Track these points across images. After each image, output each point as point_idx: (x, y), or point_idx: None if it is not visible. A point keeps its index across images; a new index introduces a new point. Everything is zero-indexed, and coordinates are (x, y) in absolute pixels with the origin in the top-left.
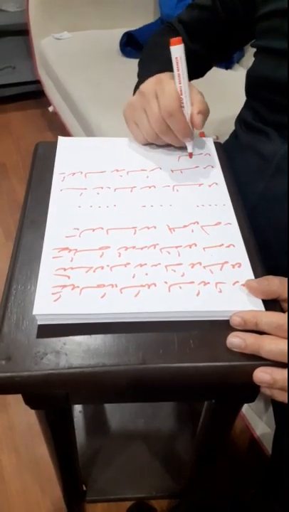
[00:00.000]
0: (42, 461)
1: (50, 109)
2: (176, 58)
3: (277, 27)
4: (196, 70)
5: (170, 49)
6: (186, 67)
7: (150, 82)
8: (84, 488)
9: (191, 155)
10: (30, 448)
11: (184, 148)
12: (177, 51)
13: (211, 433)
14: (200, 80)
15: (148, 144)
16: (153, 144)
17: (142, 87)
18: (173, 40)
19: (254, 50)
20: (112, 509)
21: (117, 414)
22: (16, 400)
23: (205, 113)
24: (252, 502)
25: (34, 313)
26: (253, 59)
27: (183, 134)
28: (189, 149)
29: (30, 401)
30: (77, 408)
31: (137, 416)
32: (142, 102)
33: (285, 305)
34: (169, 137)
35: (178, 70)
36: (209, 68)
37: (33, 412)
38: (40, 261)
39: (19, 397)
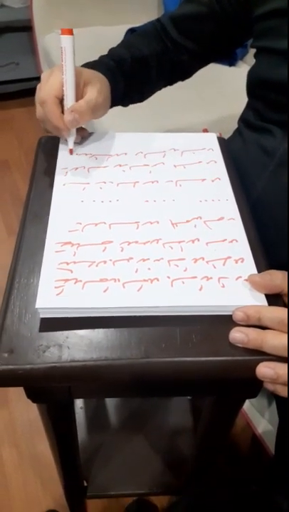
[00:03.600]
0: (43, 457)
1: None
2: (62, 48)
3: (276, 27)
4: (184, 65)
5: (60, 38)
6: (74, 60)
7: (48, 70)
8: (85, 484)
9: (70, 151)
10: (31, 444)
11: (186, 143)
12: (65, 41)
13: (212, 429)
14: (204, 76)
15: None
16: None
17: (43, 73)
18: (64, 29)
19: None
20: (112, 505)
21: (118, 410)
22: (16, 396)
23: (82, 112)
24: (254, 498)
25: (37, 306)
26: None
27: (54, 125)
28: (69, 145)
29: (32, 394)
30: (79, 404)
31: (138, 412)
32: (39, 88)
33: (287, 300)
34: (47, 125)
35: (62, 61)
36: (203, 65)
37: (34, 408)
38: (43, 255)
39: (20, 392)
